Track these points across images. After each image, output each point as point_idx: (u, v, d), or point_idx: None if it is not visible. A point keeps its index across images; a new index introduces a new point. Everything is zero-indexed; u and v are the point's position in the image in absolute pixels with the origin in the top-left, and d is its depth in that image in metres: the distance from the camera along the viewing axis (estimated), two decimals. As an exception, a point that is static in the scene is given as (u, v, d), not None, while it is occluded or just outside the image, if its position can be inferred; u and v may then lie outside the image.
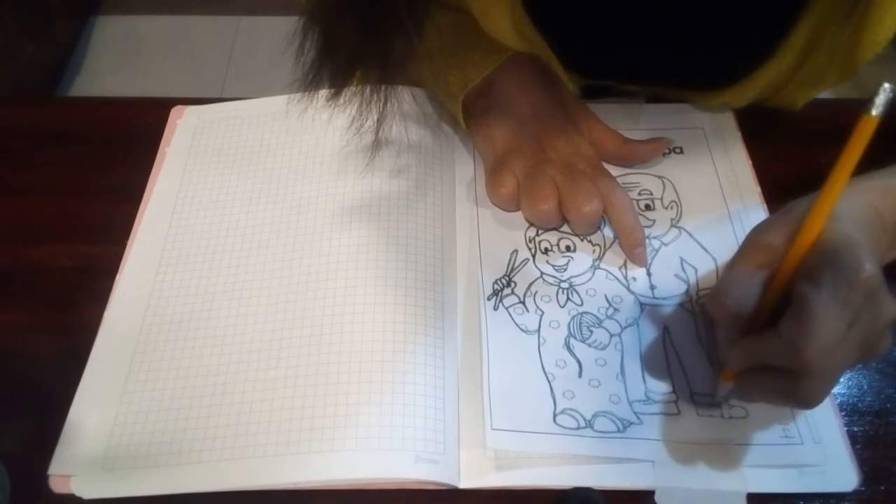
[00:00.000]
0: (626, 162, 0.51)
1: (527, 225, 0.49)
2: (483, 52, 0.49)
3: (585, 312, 0.45)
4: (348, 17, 0.38)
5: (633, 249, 0.46)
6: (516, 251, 0.47)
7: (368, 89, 0.42)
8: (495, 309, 0.45)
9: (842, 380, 0.41)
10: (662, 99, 0.55)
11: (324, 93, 0.42)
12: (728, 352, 0.37)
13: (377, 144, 0.48)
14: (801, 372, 0.33)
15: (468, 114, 0.50)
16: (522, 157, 0.48)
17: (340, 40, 0.40)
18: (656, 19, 0.47)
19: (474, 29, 0.48)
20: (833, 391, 0.41)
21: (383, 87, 0.42)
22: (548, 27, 0.49)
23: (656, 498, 0.38)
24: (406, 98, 0.53)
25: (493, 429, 0.40)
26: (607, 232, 0.48)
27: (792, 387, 0.34)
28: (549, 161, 0.48)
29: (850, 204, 0.36)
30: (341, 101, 0.42)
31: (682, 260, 0.47)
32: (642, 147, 0.51)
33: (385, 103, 0.43)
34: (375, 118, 0.44)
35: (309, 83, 0.41)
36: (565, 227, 0.48)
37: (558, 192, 0.46)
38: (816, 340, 0.31)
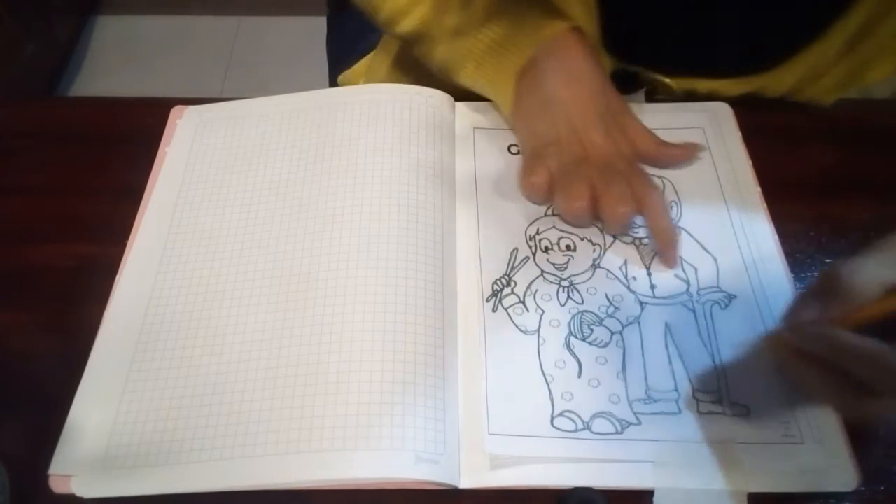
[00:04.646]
0: (659, 163, 0.51)
1: (527, 223, 0.49)
2: (530, 31, 0.49)
3: (586, 311, 0.45)
4: None
5: (666, 251, 0.46)
6: (516, 249, 0.47)
7: None
8: (494, 310, 0.45)
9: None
10: (693, 89, 0.54)
11: None
12: (797, 325, 0.35)
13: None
14: (886, 394, 0.32)
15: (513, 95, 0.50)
16: (560, 152, 0.48)
17: None
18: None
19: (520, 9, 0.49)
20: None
21: None
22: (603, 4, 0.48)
23: (655, 499, 0.38)
24: (407, 99, 0.53)
25: (490, 433, 0.40)
26: (608, 234, 0.48)
27: (861, 400, 0.32)
28: (587, 158, 0.47)
29: None
30: None
31: (682, 259, 0.47)
32: (676, 150, 0.50)
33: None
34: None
35: None
36: (565, 227, 0.48)
37: (594, 190, 0.46)
38: None
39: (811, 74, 0.49)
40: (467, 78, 0.53)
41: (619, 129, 0.50)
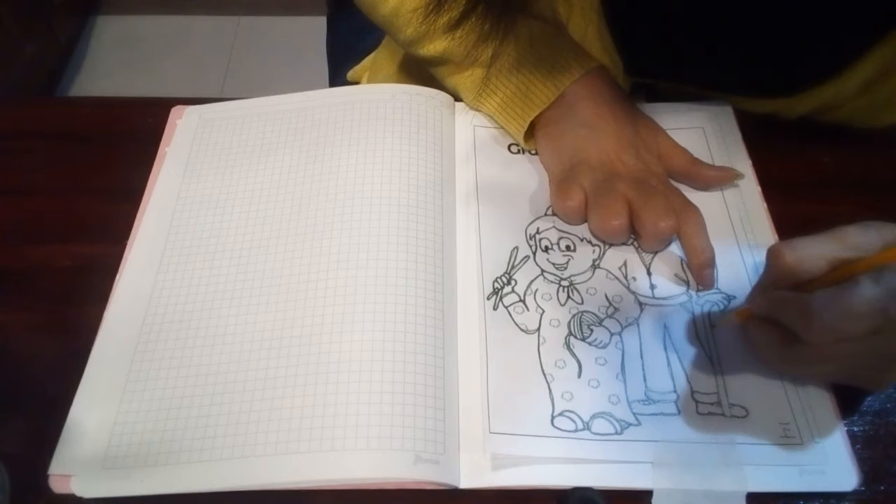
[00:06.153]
0: (691, 182, 0.50)
1: (527, 223, 0.49)
2: (551, 73, 0.49)
3: (586, 311, 0.45)
4: None
5: (702, 270, 0.45)
6: (517, 248, 0.47)
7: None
8: (494, 309, 0.45)
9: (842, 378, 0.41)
10: (704, 99, 0.54)
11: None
12: (756, 293, 0.39)
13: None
14: (802, 341, 0.35)
15: (535, 121, 0.50)
16: (592, 171, 0.47)
17: None
18: (728, 22, 0.46)
19: (545, 48, 0.49)
20: (833, 391, 0.41)
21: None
22: (618, 26, 0.49)
23: (654, 499, 0.38)
24: (407, 99, 0.53)
25: (491, 432, 0.40)
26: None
27: (790, 349, 0.36)
28: (619, 176, 0.47)
29: None
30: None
31: (681, 260, 0.47)
32: (712, 172, 0.49)
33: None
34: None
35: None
36: (565, 227, 0.48)
37: (631, 207, 0.45)
38: (833, 318, 0.33)
39: (825, 107, 0.49)
40: (481, 106, 0.53)
41: (650, 149, 0.49)
